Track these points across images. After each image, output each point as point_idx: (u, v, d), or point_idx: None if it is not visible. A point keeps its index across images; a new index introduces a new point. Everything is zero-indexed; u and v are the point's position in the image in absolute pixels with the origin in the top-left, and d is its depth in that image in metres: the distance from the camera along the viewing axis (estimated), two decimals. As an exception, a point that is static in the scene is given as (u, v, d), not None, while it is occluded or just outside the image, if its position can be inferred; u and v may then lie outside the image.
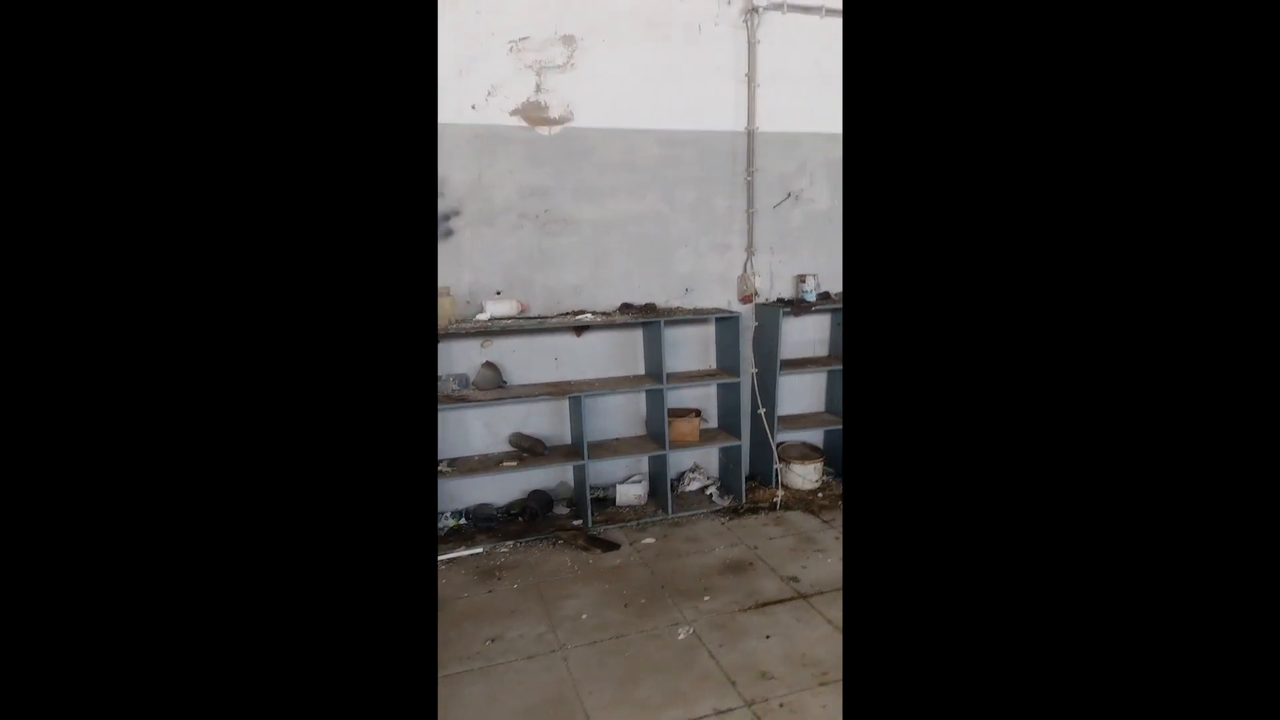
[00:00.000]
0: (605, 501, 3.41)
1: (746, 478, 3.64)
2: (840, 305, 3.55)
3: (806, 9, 3.35)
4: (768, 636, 2.32)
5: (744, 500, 3.41)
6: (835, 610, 2.47)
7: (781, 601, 2.54)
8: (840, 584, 2.65)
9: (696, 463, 3.67)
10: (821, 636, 2.31)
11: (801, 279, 3.56)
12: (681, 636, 2.33)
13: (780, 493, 3.42)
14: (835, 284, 3.69)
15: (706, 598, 2.57)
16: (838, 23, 3.42)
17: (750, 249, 3.52)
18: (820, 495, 3.49)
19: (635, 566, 2.83)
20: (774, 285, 3.62)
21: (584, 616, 2.47)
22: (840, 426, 3.65)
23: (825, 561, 2.83)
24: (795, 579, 2.70)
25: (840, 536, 3.06)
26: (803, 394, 3.81)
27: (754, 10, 3.24)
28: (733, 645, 2.27)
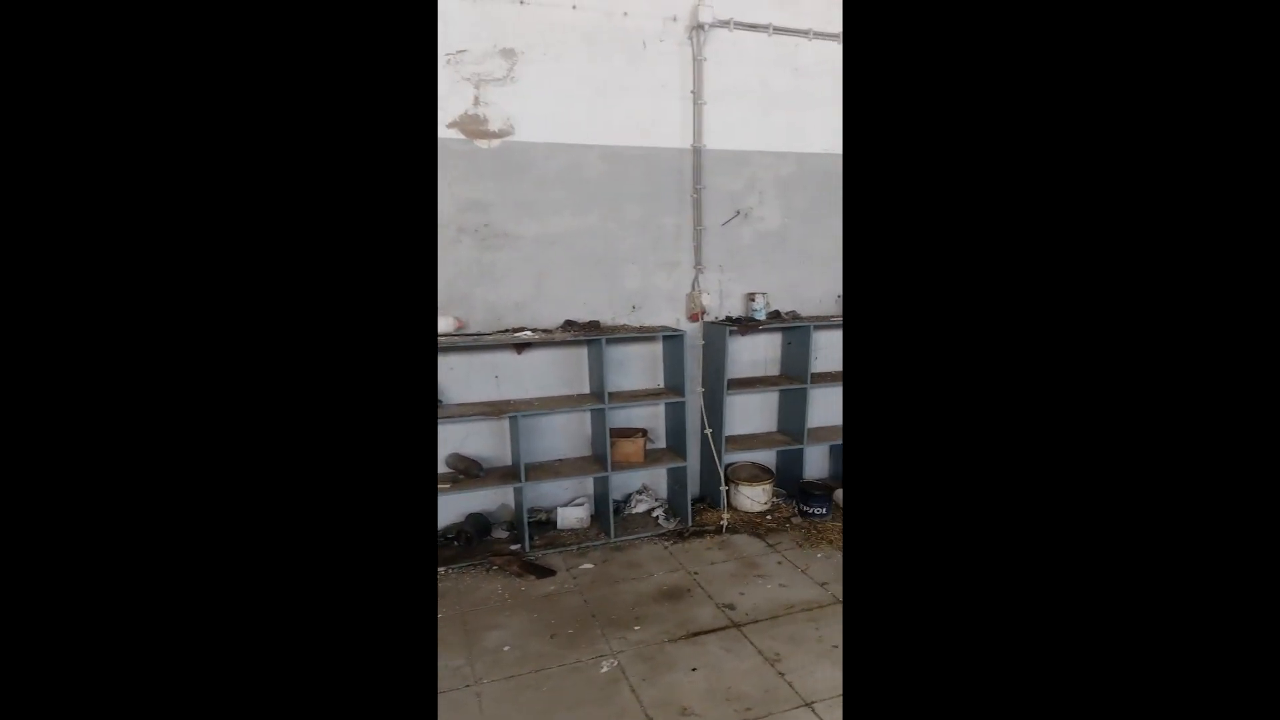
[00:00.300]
0: (546, 525, 3.30)
1: (694, 499, 3.56)
2: (791, 324, 3.50)
3: (753, 26, 3.34)
4: (694, 669, 2.23)
5: (690, 523, 3.32)
6: (768, 640, 2.38)
7: (714, 631, 2.45)
8: (775, 612, 2.57)
9: (645, 484, 3.59)
10: (749, 669, 2.22)
11: (751, 297, 3.51)
12: (605, 669, 2.23)
13: (726, 516, 3.33)
14: (786, 303, 3.65)
15: (637, 627, 2.48)
16: (785, 40, 3.41)
17: (699, 266, 3.47)
18: (769, 517, 3.41)
19: (569, 594, 2.73)
20: (724, 303, 3.57)
21: (506, 648, 2.36)
22: (791, 447, 3.59)
23: (764, 587, 2.75)
24: (731, 606, 2.61)
25: (782, 561, 2.98)
26: (754, 414, 3.75)
27: (700, 27, 3.22)
28: (656, 679, 2.18)
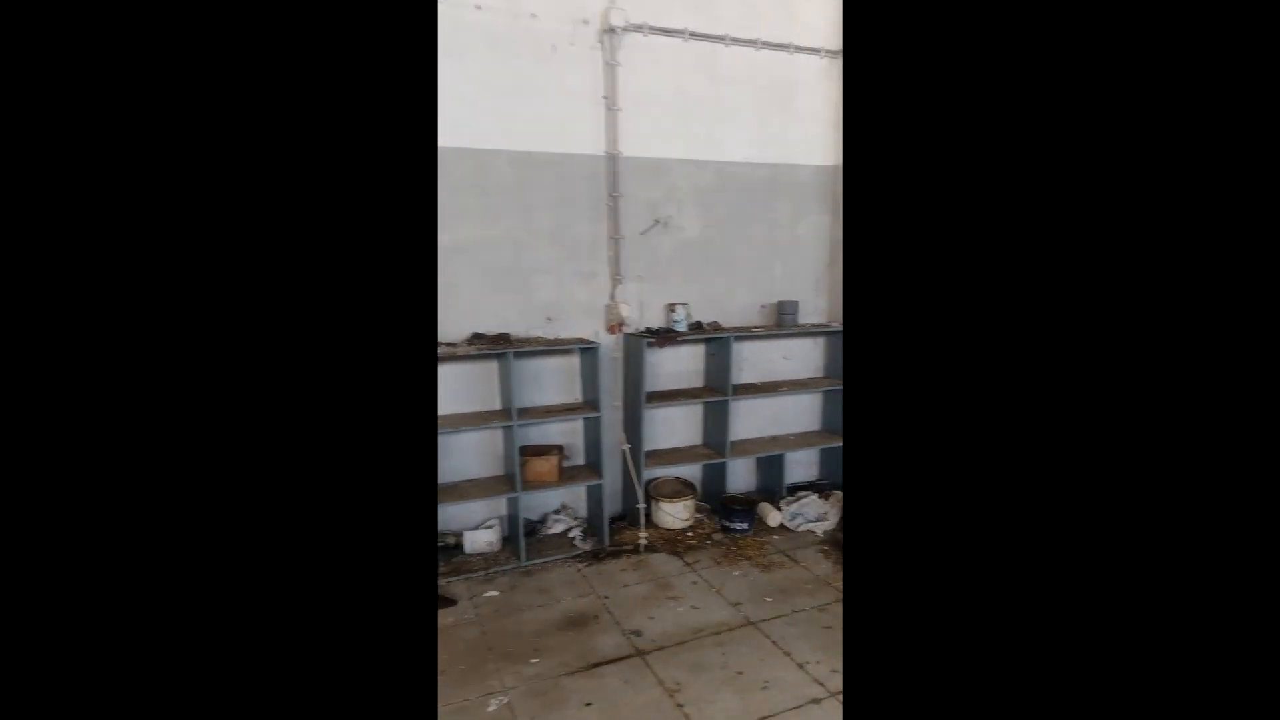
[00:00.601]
0: (453, 550, 3.13)
1: (614, 518, 3.44)
2: (712, 335, 3.43)
3: (669, 31, 3.27)
4: (588, 704, 2.10)
5: (607, 543, 3.20)
6: (671, 668, 2.27)
7: (616, 660, 2.33)
8: (683, 637, 2.46)
9: (564, 503, 3.45)
10: (646, 702, 2.11)
11: (672, 308, 3.42)
12: (492, 708, 2.09)
13: (643, 535, 3.22)
14: (708, 313, 3.57)
15: (535, 660, 2.34)
16: (702, 46, 3.35)
17: (617, 277, 3.37)
18: (690, 534, 3.32)
19: (468, 625, 2.57)
20: (644, 315, 3.47)
21: (388, 688, 2.19)
22: (715, 460, 3.51)
23: (675, 610, 2.64)
24: (638, 632, 2.49)
25: (698, 581, 2.88)
26: (679, 427, 3.66)
27: (611, 31, 3.13)
28: (545, 717, 2.04)
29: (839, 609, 2.64)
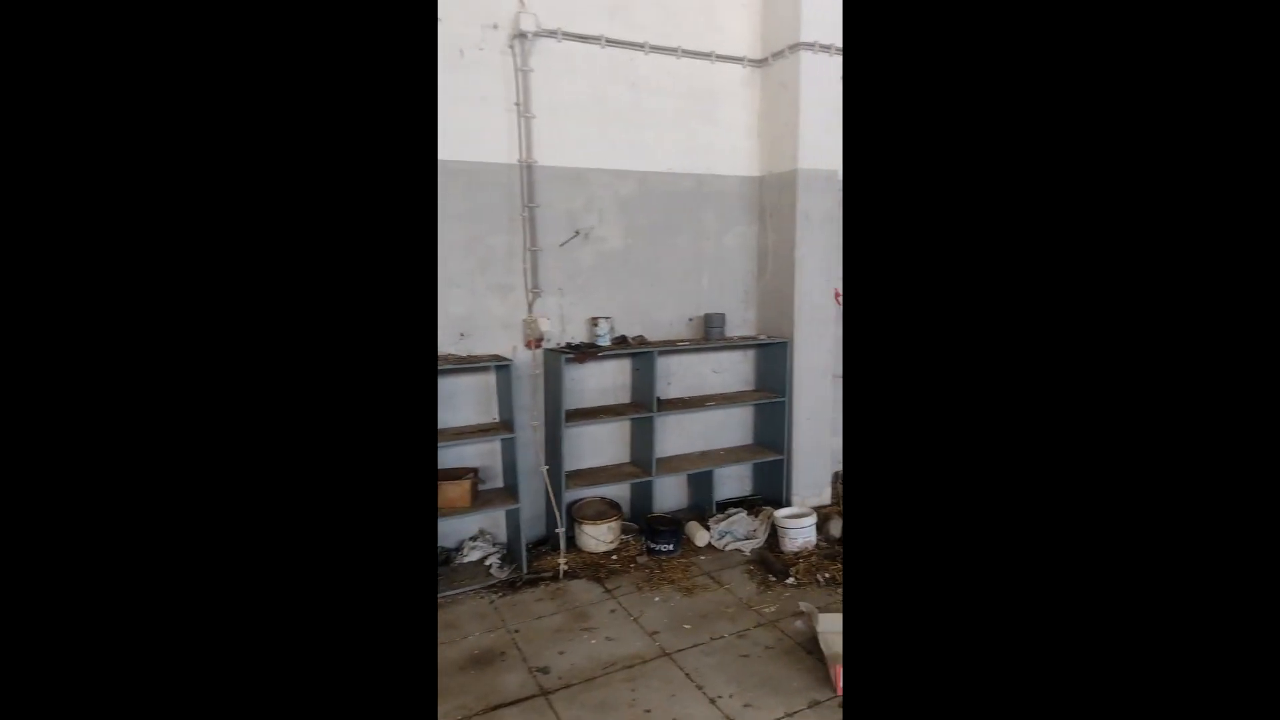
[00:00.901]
0: (357, 583, 2.93)
1: (536, 543, 3.29)
2: (636, 350, 3.32)
3: (584, 38, 3.17)
4: (479, 755, 1.94)
5: (525, 570, 3.04)
6: (575, 709, 2.13)
7: (518, 702, 2.17)
8: (593, 673, 2.32)
9: (482, 529, 3.28)
10: (543, 750, 1.96)
11: (595, 322, 3.30)
12: (373, 765, 1.91)
13: (563, 560, 3.08)
14: (634, 326, 3.47)
15: (429, 705, 2.16)
16: (620, 53, 3.26)
17: (535, 290, 3.23)
18: (614, 558, 3.18)
19: (362, 667, 2.38)
20: (566, 329, 3.35)
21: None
22: (643, 478, 3.39)
23: (589, 643, 2.50)
24: (546, 669, 2.34)
25: (616, 609, 2.75)
26: (606, 445, 3.53)
27: (522, 36, 3.02)
28: (430, 773, 1.87)
29: (758, 634, 2.54)
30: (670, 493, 3.70)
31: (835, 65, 3.41)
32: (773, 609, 2.72)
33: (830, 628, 2.44)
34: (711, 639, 2.52)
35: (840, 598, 2.80)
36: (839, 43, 3.39)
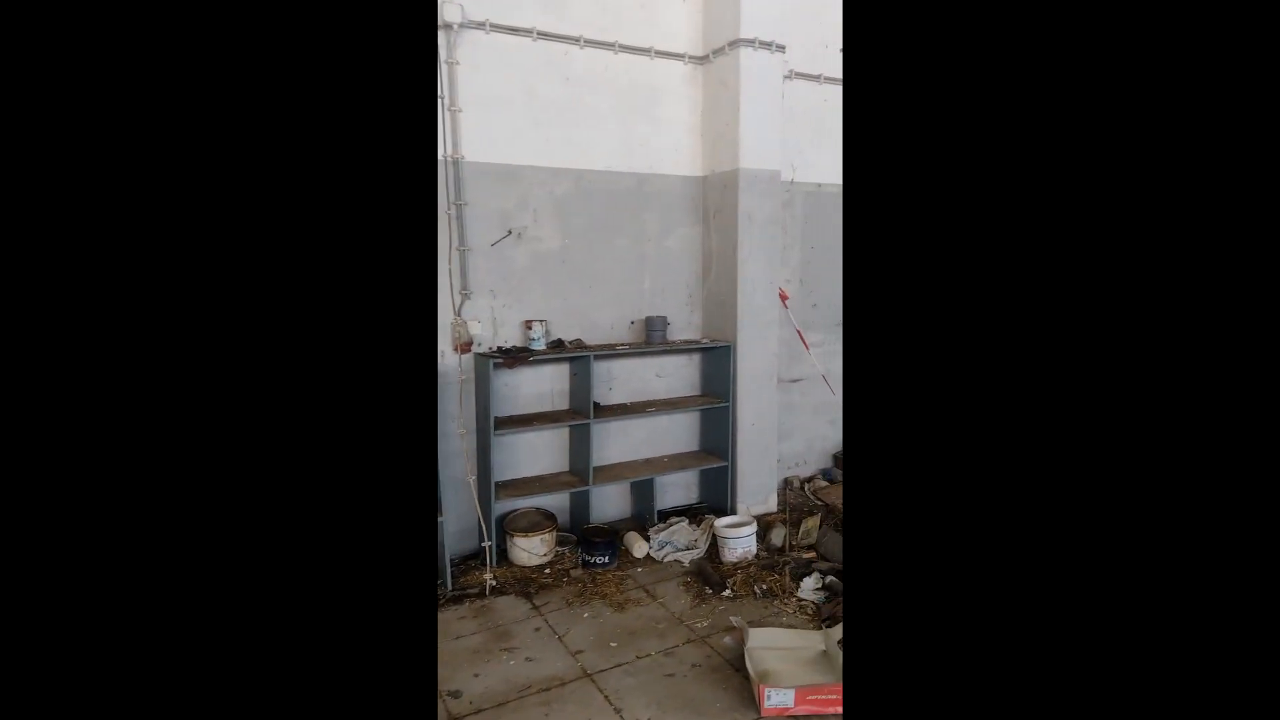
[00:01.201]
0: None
1: (464, 558, 3.14)
2: (571, 354, 3.19)
3: (515, 30, 3.05)
4: (368, 793, 1.78)
5: (450, 588, 2.88)
6: (481, 739, 1.99)
7: (420, 732, 2.02)
8: (506, 696, 2.18)
9: (409, 541, 3.12)
10: (438, 785, 1.81)
11: (529, 325, 3.17)
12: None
13: (490, 575, 2.93)
14: (571, 330, 3.34)
15: (323, 737, 2.00)
16: (554, 46, 3.15)
17: (464, 291, 3.09)
18: (546, 572, 3.04)
19: (258, 696, 2.21)
20: (499, 332, 3.21)
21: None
22: (581, 488, 3.26)
23: (507, 665, 2.36)
24: (456, 694, 2.20)
25: (541, 627, 2.61)
26: (543, 453, 3.39)
27: (448, 27, 2.89)
28: (309, 815, 1.72)
29: (686, 652, 2.42)
30: (612, 502, 3.58)
31: (776, 63, 3.34)
32: (705, 624, 2.60)
33: (759, 643, 2.33)
34: (637, 657, 2.39)
35: (774, 610, 2.70)
36: (780, 39, 3.32)
